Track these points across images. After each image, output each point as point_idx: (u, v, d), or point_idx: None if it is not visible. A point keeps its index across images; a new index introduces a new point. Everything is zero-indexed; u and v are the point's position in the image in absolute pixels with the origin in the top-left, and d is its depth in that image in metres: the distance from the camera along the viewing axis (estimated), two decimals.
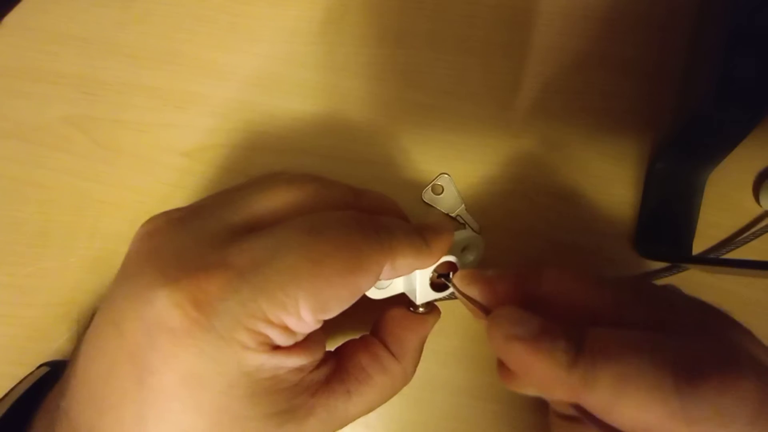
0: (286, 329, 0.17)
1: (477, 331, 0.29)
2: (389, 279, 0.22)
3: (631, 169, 0.30)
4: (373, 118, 0.31)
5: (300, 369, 0.18)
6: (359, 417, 0.20)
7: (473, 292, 0.21)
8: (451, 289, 0.23)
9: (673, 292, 0.21)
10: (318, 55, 0.31)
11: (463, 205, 0.30)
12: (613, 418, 0.15)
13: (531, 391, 0.20)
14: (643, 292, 0.19)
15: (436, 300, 0.23)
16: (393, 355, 0.21)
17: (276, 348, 0.17)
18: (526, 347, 0.16)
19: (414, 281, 0.22)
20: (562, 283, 0.19)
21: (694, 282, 0.28)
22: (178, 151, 0.31)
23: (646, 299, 0.18)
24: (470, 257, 0.27)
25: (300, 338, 0.18)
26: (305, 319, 0.17)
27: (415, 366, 0.22)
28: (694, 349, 0.15)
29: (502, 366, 0.20)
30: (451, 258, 0.23)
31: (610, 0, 0.30)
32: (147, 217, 0.21)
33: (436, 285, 0.23)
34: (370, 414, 0.21)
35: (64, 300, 0.30)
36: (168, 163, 0.31)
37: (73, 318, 0.30)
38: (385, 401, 0.21)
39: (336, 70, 0.31)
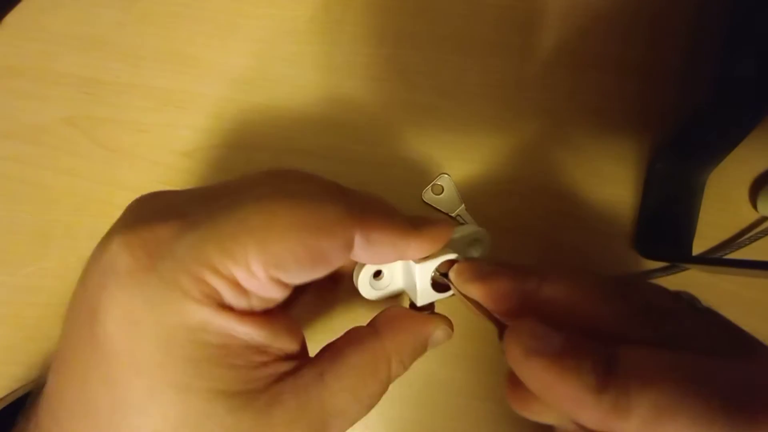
0: (236, 285, 0.15)
1: (477, 331, 0.29)
2: (371, 261, 0.20)
3: (631, 169, 0.30)
4: (373, 118, 0.31)
5: (261, 349, 0.16)
6: (346, 415, 0.18)
7: (471, 289, 0.19)
8: (452, 290, 0.21)
9: (682, 307, 0.18)
10: (318, 55, 0.31)
11: (463, 205, 0.30)
12: None
13: (546, 418, 0.19)
14: (652, 306, 0.17)
15: (438, 299, 0.22)
16: (376, 331, 0.20)
17: (225, 307, 0.16)
18: (550, 364, 0.15)
19: (414, 279, 0.21)
20: (566, 289, 0.18)
21: (694, 282, 0.28)
22: (178, 151, 0.31)
23: (655, 313, 0.17)
24: (475, 254, 0.26)
25: (256, 303, 0.16)
26: (256, 273, 0.15)
27: (408, 357, 0.20)
28: (742, 374, 0.14)
29: (514, 389, 0.19)
30: (451, 255, 0.21)
31: (610, 0, 0.30)
32: None
33: (439, 285, 0.22)
34: (370, 414, 0.20)
35: (64, 300, 0.30)
36: (168, 163, 0.31)
37: None
38: (374, 394, 0.18)
39: (336, 70, 0.31)
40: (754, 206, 0.29)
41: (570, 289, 0.18)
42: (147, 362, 0.15)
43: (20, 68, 0.32)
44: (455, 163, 0.30)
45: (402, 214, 0.20)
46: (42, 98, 0.32)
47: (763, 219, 0.29)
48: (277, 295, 0.17)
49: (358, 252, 0.18)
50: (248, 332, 0.16)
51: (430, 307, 0.23)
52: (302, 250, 0.16)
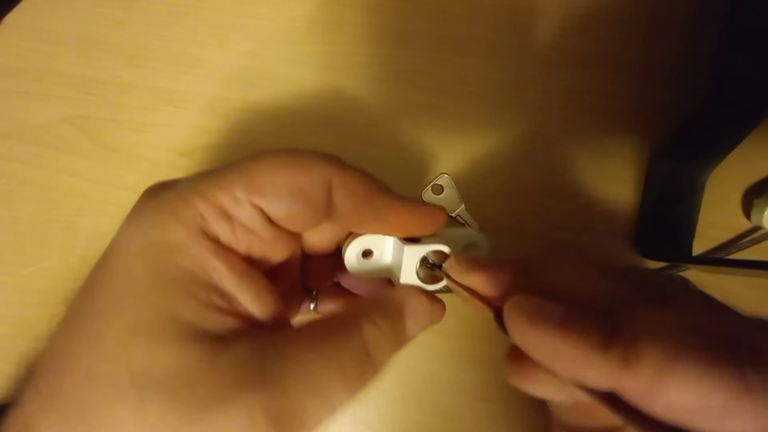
0: (221, 211, 0.17)
1: (477, 331, 0.29)
2: (356, 222, 0.20)
3: (631, 169, 0.30)
4: (373, 118, 0.31)
5: (226, 296, 0.17)
6: (313, 379, 0.16)
7: (471, 277, 0.19)
8: (444, 282, 0.21)
9: (676, 284, 0.19)
10: (318, 55, 0.31)
11: (463, 205, 0.30)
12: (657, 403, 0.13)
13: (546, 391, 0.18)
14: (648, 282, 0.18)
15: (421, 287, 0.21)
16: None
17: (208, 236, 0.17)
18: (555, 328, 0.15)
19: (401, 261, 0.21)
20: (564, 272, 0.18)
21: (694, 282, 0.28)
22: (178, 151, 0.31)
23: (652, 288, 0.17)
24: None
25: (241, 236, 0.18)
26: (239, 198, 0.17)
27: (382, 318, 0.18)
28: (742, 324, 0.14)
29: (514, 363, 0.19)
30: (444, 247, 0.21)
31: (610, 0, 0.30)
32: None
33: (428, 277, 0.21)
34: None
35: (64, 300, 0.30)
36: (168, 163, 0.31)
37: None
38: (345, 357, 0.17)
39: (336, 70, 0.31)
40: (747, 216, 0.29)
41: (568, 271, 0.18)
42: (120, 268, 0.16)
43: (20, 68, 0.32)
44: (455, 163, 0.30)
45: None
46: (42, 98, 0.32)
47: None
48: (262, 231, 0.18)
49: (339, 201, 0.19)
50: (218, 268, 0.17)
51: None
52: (281, 180, 0.18)
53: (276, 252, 0.20)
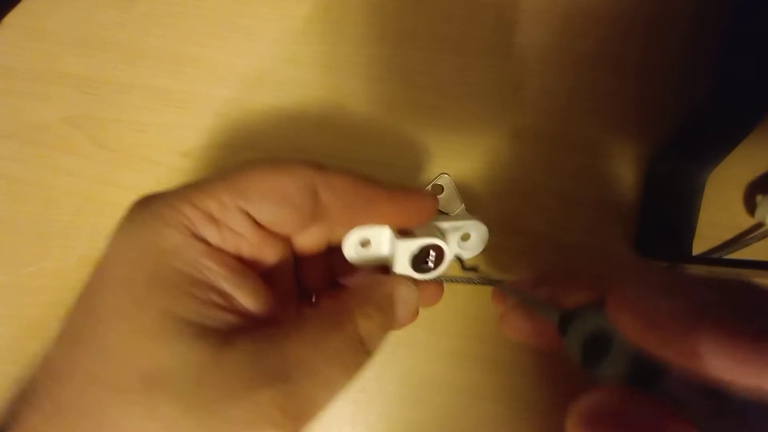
0: (209, 216, 0.18)
1: (477, 331, 0.29)
2: (346, 217, 0.21)
3: (631, 169, 0.30)
4: (373, 118, 0.31)
5: (223, 294, 0.17)
6: (314, 369, 0.17)
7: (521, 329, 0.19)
8: (436, 273, 0.22)
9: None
10: (318, 55, 0.31)
11: (463, 205, 0.30)
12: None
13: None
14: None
15: (418, 278, 0.22)
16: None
17: (198, 238, 0.18)
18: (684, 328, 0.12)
19: (395, 255, 0.22)
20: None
21: None
22: (178, 151, 0.31)
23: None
24: (470, 248, 0.25)
25: (229, 238, 0.18)
26: (226, 204, 0.18)
27: (374, 310, 0.19)
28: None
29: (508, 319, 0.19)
30: (436, 241, 0.22)
31: (611, 1, 0.30)
32: None
33: (420, 265, 0.22)
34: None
35: (65, 300, 0.30)
36: (168, 163, 0.31)
37: None
38: (341, 348, 0.18)
39: (336, 70, 0.31)
40: (750, 213, 0.29)
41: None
42: (117, 276, 0.17)
43: (20, 68, 0.32)
44: (455, 163, 0.30)
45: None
46: (42, 98, 0.32)
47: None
48: (250, 234, 0.19)
49: (327, 200, 0.19)
50: (212, 267, 0.17)
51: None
52: (265, 185, 0.18)
53: (266, 254, 0.20)
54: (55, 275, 0.30)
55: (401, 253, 0.22)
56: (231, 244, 0.19)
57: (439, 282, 0.24)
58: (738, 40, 0.26)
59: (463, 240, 0.25)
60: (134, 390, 0.15)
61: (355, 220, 0.21)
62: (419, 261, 0.22)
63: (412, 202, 0.21)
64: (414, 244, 0.22)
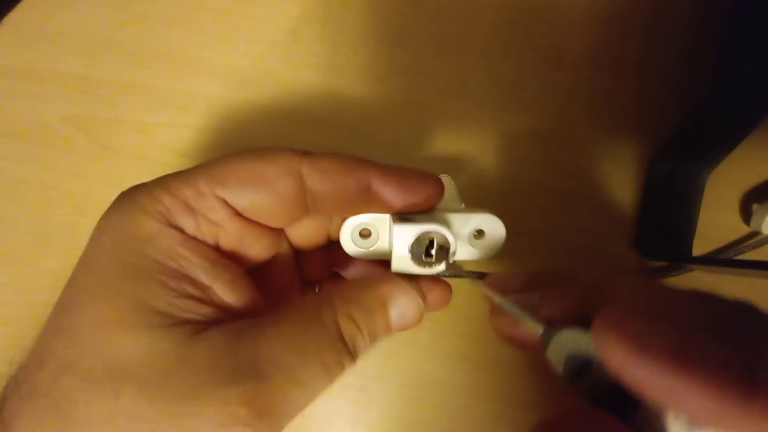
0: (186, 204, 0.18)
1: (477, 331, 0.29)
2: (337, 199, 0.19)
3: (631, 169, 0.30)
4: (373, 118, 0.31)
5: (198, 285, 0.17)
6: (288, 368, 0.15)
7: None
8: (443, 267, 0.19)
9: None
10: (318, 56, 0.31)
11: (463, 206, 0.30)
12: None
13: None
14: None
15: (418, 273, 0.19)
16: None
17: (175, 227, 0.17)
18: (670, 361, 0.11)
19: (392, 238, 0.19)
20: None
21: (694, 282, 0.28)
22: (178, 151, 0.31)
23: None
24: (482, 246, 0.21)
25: (204, 227, 0.18)
26: (203, 191, 0.18)
27: (359, 312, 0.17)
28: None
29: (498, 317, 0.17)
30: (437, 227, 0.19)
31: (610, 0, 0.30)
32: None
33: (421, 258, 0.19)
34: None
35: None
36: (168, 163, 0.31)
37: None
38: (320, 347, 0.16)
39: (336, 70, 0.31)
40: (746, 222, 0.29)
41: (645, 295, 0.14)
42: (94, 264, 0.17)
43: (20, 68, 0.32)
44: (455, 163, 0.30)
45: None
46: (42, 98, 0.32)
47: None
48: (227, 224, 0.18)
49: (316, 186, 0.18)
50: (187, 257, 0.17)
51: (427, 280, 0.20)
52: (242, 171, 0.18)
53: (250, 246, 0.20)
54: (55, 275, 0.30)
55: (399, 240, 0.19)
56: (208, 234, 0.18)
57: (447, 283, 0.21)
58: (738, 40, 0.26)
59: (476, 238, 0.21)
60: (100, 379, 0.15)
61: (349, 208, 0.19)
62: (420, 251, 0.19)
63: (413, 180, 0.19)
64: (413, 230, 0.19)
